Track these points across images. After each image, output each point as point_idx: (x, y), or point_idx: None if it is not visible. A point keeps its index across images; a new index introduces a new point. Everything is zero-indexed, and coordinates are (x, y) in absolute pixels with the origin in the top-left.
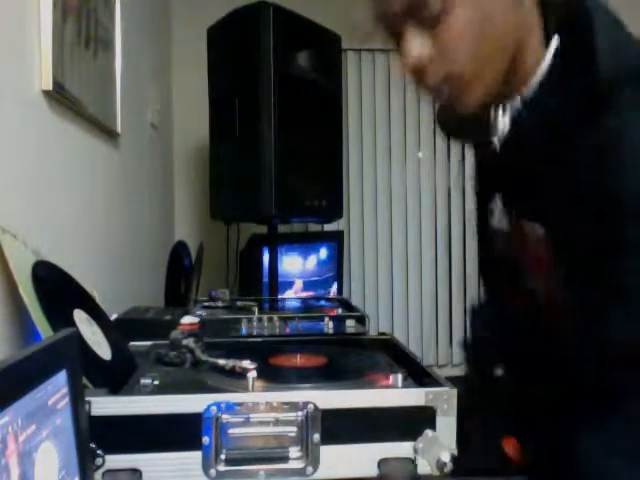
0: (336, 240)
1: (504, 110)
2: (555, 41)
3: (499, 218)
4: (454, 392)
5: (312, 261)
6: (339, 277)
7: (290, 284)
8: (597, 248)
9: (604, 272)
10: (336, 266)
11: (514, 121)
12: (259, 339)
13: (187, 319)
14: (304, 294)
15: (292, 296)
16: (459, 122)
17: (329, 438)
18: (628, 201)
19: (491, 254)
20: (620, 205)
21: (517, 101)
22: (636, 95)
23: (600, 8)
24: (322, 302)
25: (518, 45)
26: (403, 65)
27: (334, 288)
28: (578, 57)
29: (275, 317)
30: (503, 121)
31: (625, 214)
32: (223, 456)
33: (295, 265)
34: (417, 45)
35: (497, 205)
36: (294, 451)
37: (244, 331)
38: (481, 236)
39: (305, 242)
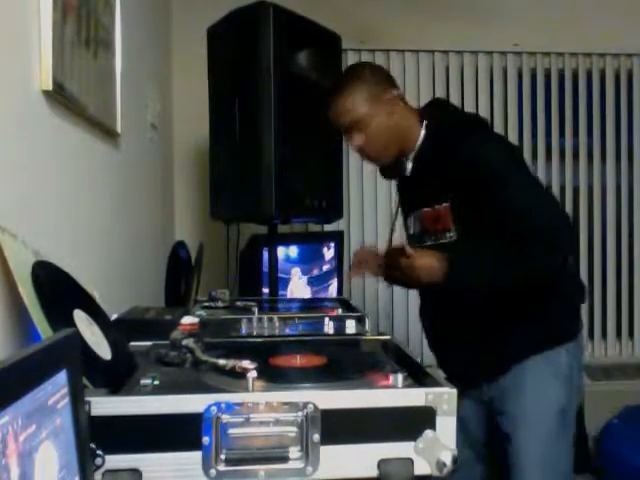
0: (336, 240)
1: (407, 159)
2: (424, 123)
3: (411, 226)
4: (454, 392)
5: (312, 261)
6: (339, 277)
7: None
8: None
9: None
10: (336, 266)
11: (415, 159)
12: (259, 339)
13: (187, 319)
14: (305, 279)
15: (295, 286)
16: (386, 168)
17: (329, 438)
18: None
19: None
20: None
21: (413, 152)
22: (474, 131)
23: (447, 105)
24: (322, 302)
25: (404, 133)
26: (351, 147)
27: (334, 288)
28: (437, 123)
29: (275, 317)
30: (408, 164)
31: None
32: (223, 456)
33: (295, 265)
34: (355, 140)
35: (411, 219)
36: (294, 451)
37: (244, 331)
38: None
39: (305, 242)
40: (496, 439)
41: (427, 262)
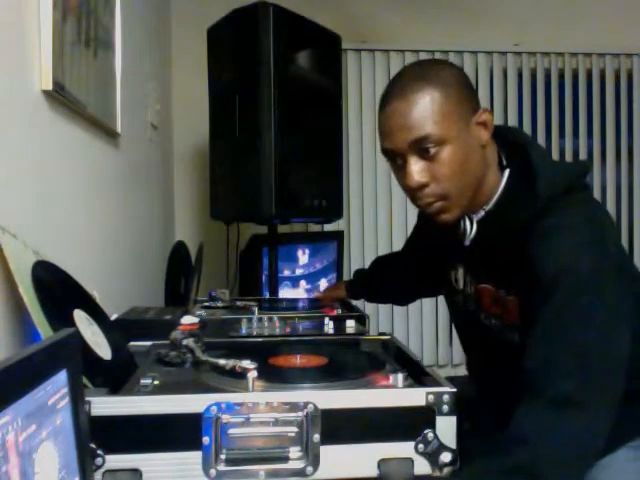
0: (336, 240)
1: (471, 220)
2: (507, 171)
3: (461, 281)
4: (454, 392)
5: (312, 261)
6: (339, 277)
7: (290, 284)
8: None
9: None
10: (336, 266)
11: (479, 225)
12: (259, 339)
13: (187, 319)
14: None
15: (293, 296)
16: (436, 230)
17: (329, 438)
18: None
19: (455, 304)
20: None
21: (481, 213)
22: (565, 203)
23: (533, 142)
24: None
25: (482, 176)
26: (405, 182)
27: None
28: (523, 180)
29: (275, 317)
30: (470, 226)
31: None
32: (223, 456)
33: (295, 265)
34: (417, 170)
35: (459, 272)
36: (294, 451)
37: (244, 331)
38: (449, 290)
39: (305, 242)
40: None
41: None
